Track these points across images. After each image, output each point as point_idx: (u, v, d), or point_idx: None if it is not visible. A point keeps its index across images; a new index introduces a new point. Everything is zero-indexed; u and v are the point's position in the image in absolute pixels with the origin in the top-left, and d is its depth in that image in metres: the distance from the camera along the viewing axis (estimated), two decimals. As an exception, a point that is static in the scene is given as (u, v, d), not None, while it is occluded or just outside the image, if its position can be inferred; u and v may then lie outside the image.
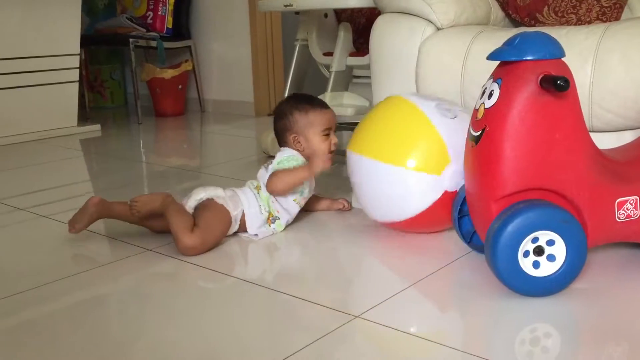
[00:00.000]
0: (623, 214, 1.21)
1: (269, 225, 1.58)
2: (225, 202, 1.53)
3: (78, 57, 3.27)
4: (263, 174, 1.62)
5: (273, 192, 1.58)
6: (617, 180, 1.21)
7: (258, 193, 1.59)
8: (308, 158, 1.62)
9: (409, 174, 1.41)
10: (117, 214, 1.59)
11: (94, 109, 4.09)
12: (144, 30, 3.73)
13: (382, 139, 1.46)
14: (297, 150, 1.64)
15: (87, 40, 3.66)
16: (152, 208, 1.51)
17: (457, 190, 1.42)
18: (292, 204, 1.62)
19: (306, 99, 1.69)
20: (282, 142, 1.68)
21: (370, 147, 1.47)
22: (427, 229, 1.54)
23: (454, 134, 1.41)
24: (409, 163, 1.41)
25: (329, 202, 1.77)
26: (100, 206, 1.57)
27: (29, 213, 1.87)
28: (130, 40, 3.55)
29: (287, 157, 1.61)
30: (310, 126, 1.63)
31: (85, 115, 3.67)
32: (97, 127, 3.41)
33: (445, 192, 1.42)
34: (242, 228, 1.57)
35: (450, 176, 1.41)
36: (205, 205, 1.52)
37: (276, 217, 1.59)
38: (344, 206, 1.76)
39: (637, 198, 1.21)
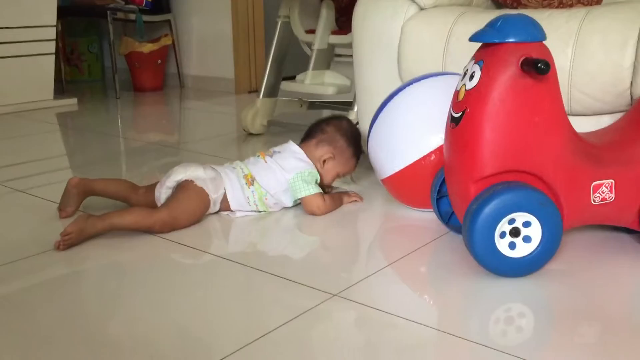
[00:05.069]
0: (598, 197, 1.23)
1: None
2: (205, 184, 1.50)
3: (54, 28, 3.20)
4: (264, 166, 1.56)
5: (315, 215, 1.56)
6: (593, 163, 1.23)
7: (247, 185, 1.54)
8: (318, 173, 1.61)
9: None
10: (99, 191, 1.58)
11: (71, 82, 4.02)
12: (123, 2, 3.66)
13: None
14: (313, 161, 1.60)
15: (64, 12, 3.57)
16: (89, 233, 1.37)
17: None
18: (289, 201, 1.59)
19: (359, 145, 1.67)
20: (311, 138, 1.64)
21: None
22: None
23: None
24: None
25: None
26: (82, 186, 1.55)
27: (3, 187, 1.84)
28: (109, 12, 3.48)
29: (308, 174, 1.56)
30: (340, 164, 1.63)
31: (61, 88, 3.61)
32: (74, 100, 3.35)
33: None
34: (224, 206, 1.56)
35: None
36: (183, 186, 1.49)
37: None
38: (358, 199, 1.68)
39: (613, 181, 1.23)
